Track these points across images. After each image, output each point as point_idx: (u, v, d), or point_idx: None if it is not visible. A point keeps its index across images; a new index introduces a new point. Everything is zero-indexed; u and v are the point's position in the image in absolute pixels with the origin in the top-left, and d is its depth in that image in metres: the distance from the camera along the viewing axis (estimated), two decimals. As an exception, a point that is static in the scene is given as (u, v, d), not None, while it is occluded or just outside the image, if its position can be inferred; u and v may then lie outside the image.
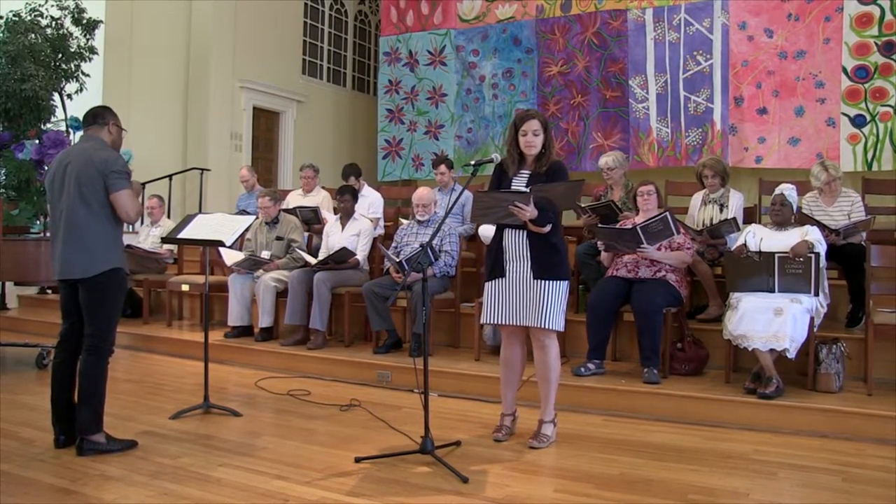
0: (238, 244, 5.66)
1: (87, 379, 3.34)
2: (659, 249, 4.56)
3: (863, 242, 4.72)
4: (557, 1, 8.59)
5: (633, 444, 3.60)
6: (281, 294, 5.70)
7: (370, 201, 6.55)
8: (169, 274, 6.86)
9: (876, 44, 7.02)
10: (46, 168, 5.82)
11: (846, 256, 4.62)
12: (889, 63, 6.97)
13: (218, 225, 4.10)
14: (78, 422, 3.33)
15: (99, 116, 3.50)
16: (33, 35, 6.94)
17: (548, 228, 3.37)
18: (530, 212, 3.29)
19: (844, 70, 7.15)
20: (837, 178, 4.97)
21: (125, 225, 3.56)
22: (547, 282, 3.39)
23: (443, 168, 6.38)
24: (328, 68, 11.79)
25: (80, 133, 7.25)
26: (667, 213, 4.51)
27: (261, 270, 5.77)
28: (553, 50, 8.61)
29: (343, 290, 5.43)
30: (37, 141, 6.20)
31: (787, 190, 4.44)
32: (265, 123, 10.74)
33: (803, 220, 4.58)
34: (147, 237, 6.94)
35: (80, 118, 7.27)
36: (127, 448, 3.41)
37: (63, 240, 3.33)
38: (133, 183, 3.59)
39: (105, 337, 3.38)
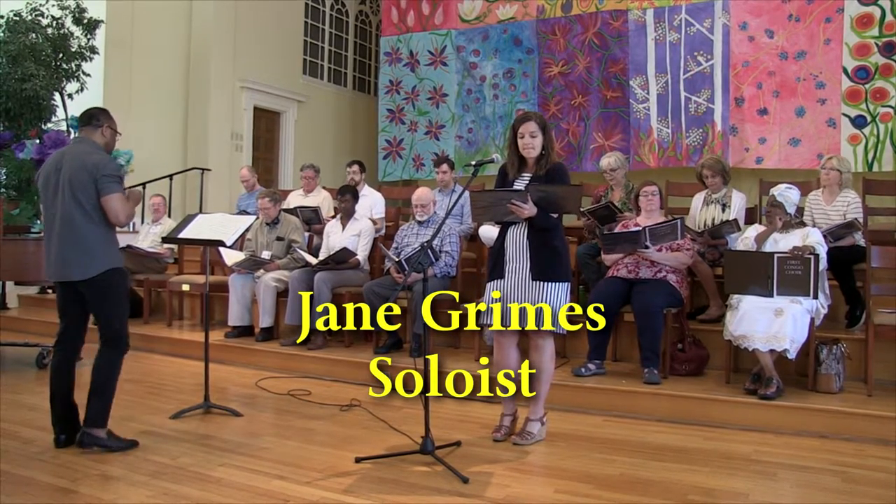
0: (238, 244, 5.66)
1: (100, 372, 3.38)
2: (659, 250, 4.56)
3: (858, 244, 4.72)
4: (558, 1, 8.59)
5: (633, 444, 3.60)
6: (281, 294, 5.70)
7: (371, 202, 6.58)
8: (169, 274, 6.86)
9: (876, 44, 7.02)
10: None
11: (834, 260, 4.52)
12: (889, 64, 6.97)
13: (218, 225, 4.10)
14: (86, 413, 3.36)
15: (94, 118, 3.51)
16: (34, 35, 6.95)
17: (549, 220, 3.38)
18: (528, 209, 3.31)
19: (845, 71, 7.15)
20: (840, 172, 4.97)
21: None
22: (546, 283, 3.40)
23: (445, 167, 6.42)
24: (329, 68, 11.79)
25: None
26: (678, 221, 4.51)
27: (261, 270, 5.77)
28: (554, 50, 8.61)
29: (344, 290, 5.43)
30: (37, 141, 6.20)
31: (778, 191, 4.37)
32: (266, 123, 10.74)
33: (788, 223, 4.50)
34: (147, 235, 6.95)
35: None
36: (127, 448, 3.42)
37: (59, 242, 3.35)
38: (133, 192, 3.64)
39: (119, 331, 3.43)
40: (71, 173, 3.32)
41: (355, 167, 6.76)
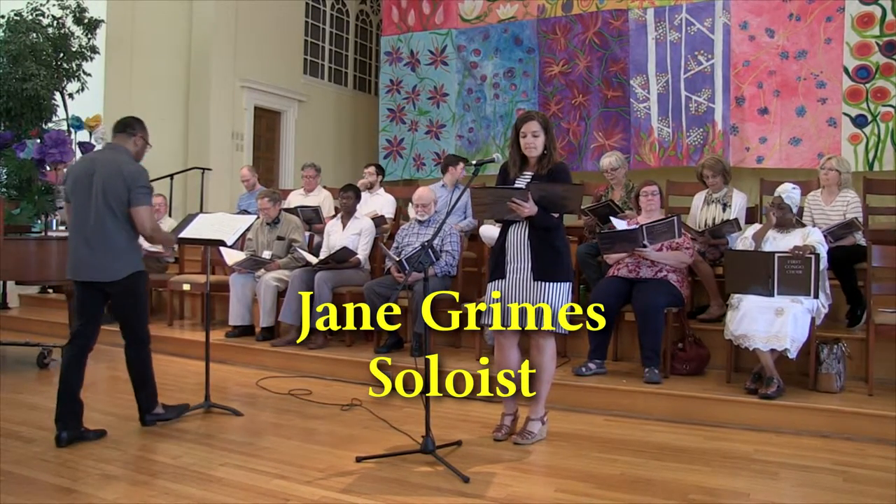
0: (239, 244, 5.66)
1: (137, 368, 3.71)
2: (659, 250, 4.56)
3: (858, 243, 4.72)
4: (559, 1, 8.59)
5: (634, 443, 3.60)
6: (282, 294, 5.69)
7: (382, 202, 6.65)
8: (170, 273, 6.86)
9: (877, 44, 7.01)
10: (48, 168, 5.84)
11: (835, 260, 4.53)
12: (890, 63, 6.97)
13: (219, 224, 4.12)
14: (140, 404, 3.74)
15: (129, 127, 3.69)
16: (35, 34, 6.95)
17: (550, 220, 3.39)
18: (529, 208, 3.31)
19: (846, 70, 7.15)
20: (839, 172, 4.97)
21: None
22: (547, 283, 3.40)
23: (462, 165, 6.54)
24: (329, 68, 11.79)
25: (80, 132, 7.31)
26: (675, 218, 4.51)
27: (262, 270, 5.77)
28: (554, 50, 8.61)
29: (344, 289, 5.43)
30: (38, 140, 6.20)
31: (785, 192, 4.37)
32: (266, 123, 10.74)
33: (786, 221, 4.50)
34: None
35: (81, 118, 7.33)
36: (182, 412, 3.90)
37: (89, 244, 3.51)
38: (167, 235, 3.92)
39: (141, 329, 3.71)
40: (105, 179, 3.49)
41: (372, 168, 6.96)
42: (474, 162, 3.48)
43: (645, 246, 4.49)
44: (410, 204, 5.72)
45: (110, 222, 3.49)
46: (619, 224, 4.80)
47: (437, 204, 5.68)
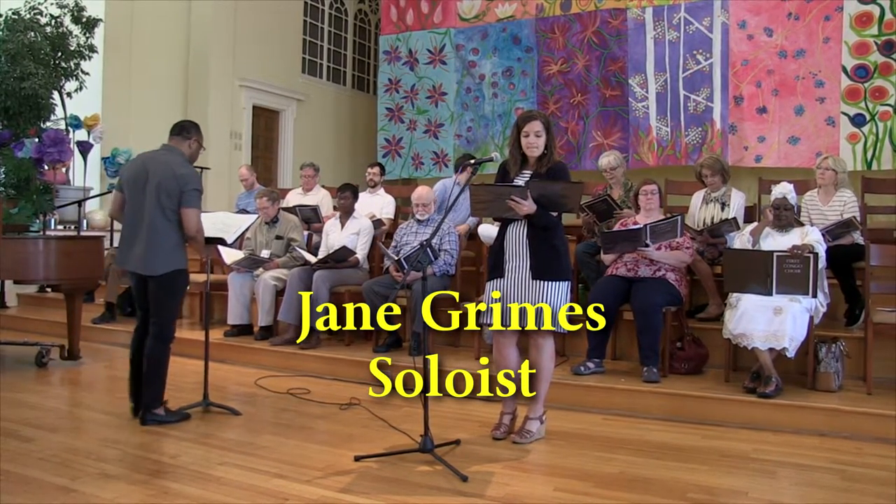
0: (238, 243, 5.66)
1: (152, 362, 3.78)
2: (658, 249, 4.56)
3: (857, 242, 4.72)
4: (557, 0, 8.60)
5: (633, 442, 3.60)
6: (281, 293, 5.69)
7: (382, 202, 6.64)
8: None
9: (876, 43, 7.02)
10: (46, 167, 5.83)
11: (833, 259, 4.53)
12: (889, 62, 6.97)
13: (218, 223, 4.15)
14: (143, 398, 3.79)
15: (185, 130, 3.88)
16: (33, 33, 6.95)
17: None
18: (527, 206, 3.31)
19: (844, 69, 7.15)
20: (835, 172, 4.98)
21: None
22: (545, 282, 3.40)
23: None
24: (328, 67, 11.79)
25: (79, 131, 7.30)
26: (678, 217, 4.52)
27: (261, 269, 5.76)
28: (553, 49, 8.61)
29: (343, 288, 5.43)
30: (36, 139, 6.21)
31: (789, 192, 4.39)
32: (265, 122, 10.74)
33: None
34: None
35: (80, 117, 7.28)
36: (181, 419, 3.86)
37: (142, 239, 3.70)
38: (208, 249, 4.08)
39: (168, 326, 3.83)
40: (160, 179, 3.67)
41: (376, 168, 7.04)
42: (472, 161, 3.48)
43: (647, 245, 4.50)
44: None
45: (159, 220, 3.67)
46: None
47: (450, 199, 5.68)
